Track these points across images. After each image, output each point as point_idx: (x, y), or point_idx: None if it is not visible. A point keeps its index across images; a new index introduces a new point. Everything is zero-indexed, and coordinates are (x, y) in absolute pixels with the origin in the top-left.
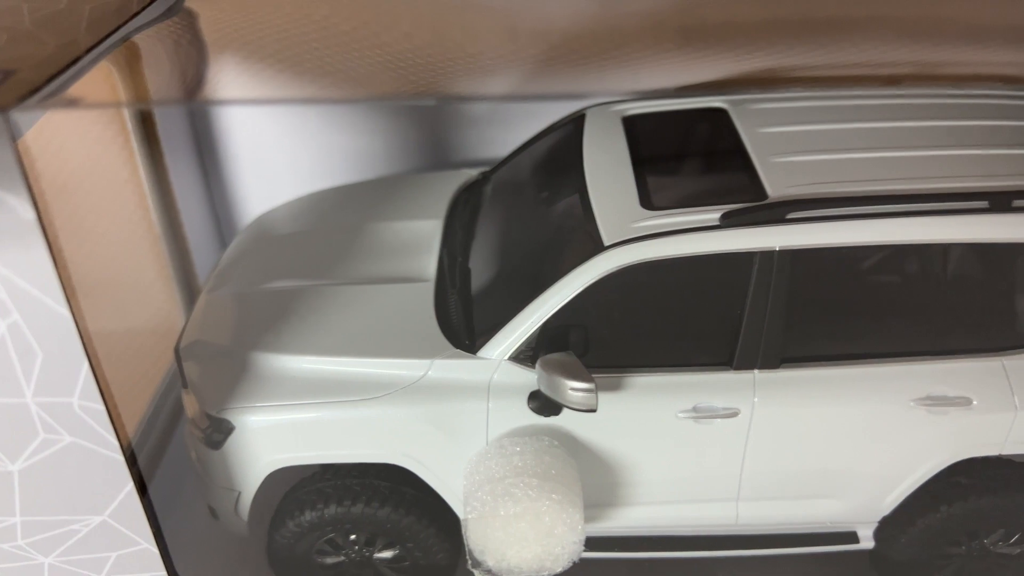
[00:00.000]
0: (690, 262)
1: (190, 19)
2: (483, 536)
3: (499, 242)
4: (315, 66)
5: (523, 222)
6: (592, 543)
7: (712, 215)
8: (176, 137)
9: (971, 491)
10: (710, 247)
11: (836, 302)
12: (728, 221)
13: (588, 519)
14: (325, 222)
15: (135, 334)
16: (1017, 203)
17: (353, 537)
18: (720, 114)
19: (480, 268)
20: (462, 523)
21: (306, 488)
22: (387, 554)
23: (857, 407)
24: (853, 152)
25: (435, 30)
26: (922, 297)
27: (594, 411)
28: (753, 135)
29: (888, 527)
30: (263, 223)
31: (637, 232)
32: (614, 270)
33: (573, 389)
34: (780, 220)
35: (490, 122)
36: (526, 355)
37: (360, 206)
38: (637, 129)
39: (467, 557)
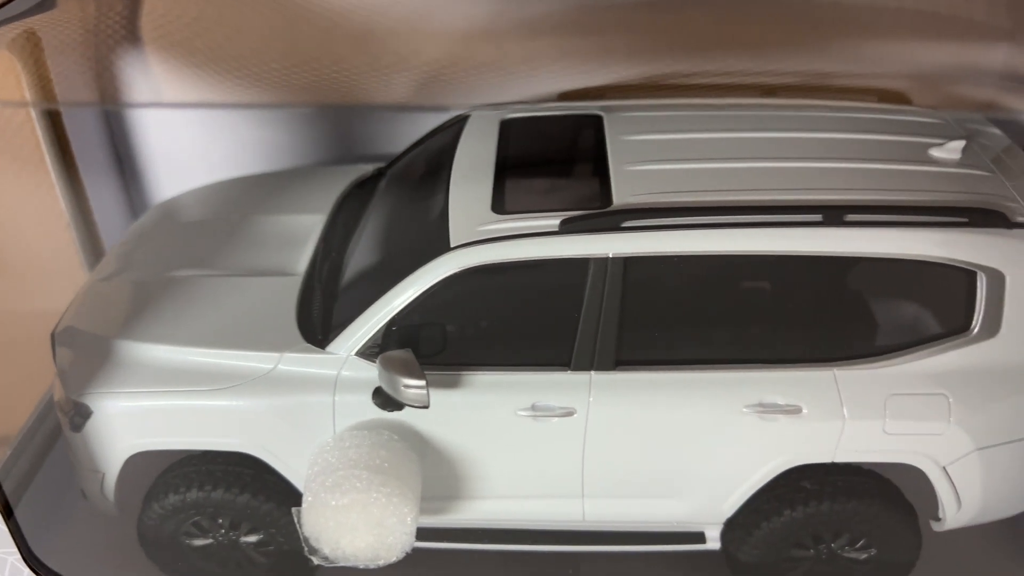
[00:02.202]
0: (532, 265)
1: (108, 19)
2: (316, 525)
3: (371, 239)
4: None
5: (394, 220)
6: (442, 535)
7: (553, 221)
8: (85, 127)
9: (813, 496)
10: (548, 252)
11: (671, 309)
12: (566, 227)
13: (437, 511)
14: (215, 214)
15: (43, 318)
16: (850, 218)
17: (220, 521)
18: (595, 121)
19: (351, 264)
20: (294, 512)
21: (174, 472)
22: (252, 538)
23: (690, 411)
24: (707, 162)
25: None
26: (756, 307)
27: (426, 407)
28: (617, 143)
29: (733, 529)
30: (157, 212)
31: (481, 235)
32: (458, 271)
33: (406, 386)
34: (615, 228)
35: (397, 118)
36: (373, 351)
37: (254, 198)
38: (512, 133)
39: (303, 545)
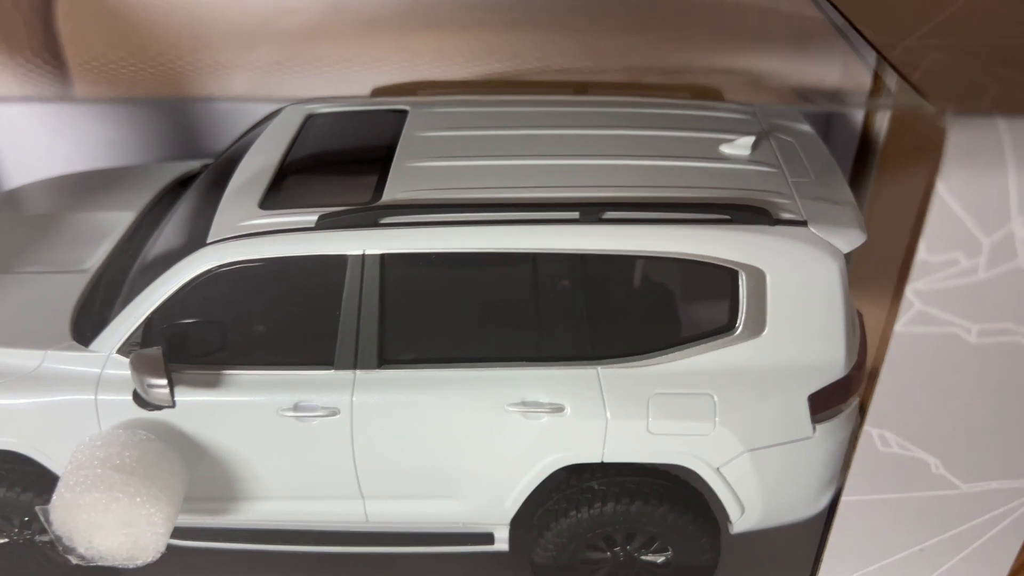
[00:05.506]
0: (294, 262)
1: None
2: (64, 523)
3: (162, 236)
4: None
5: (182, 216)
6: (226, 535)
7: (312, 217)
8: None
9: (599, 497)
10: (303, 249)
11: (434, 306)
12: (321, 224)
13: (214, 512)
14: (35, 209)
15: None
16: (608, 215)
17: (12, 520)
18: (400, 116)
19: (139, 261)
20: (38, 510)
21: None
22: (47, 537)
23: (455, 409)
24: (491, 159)
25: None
26: (520, 305)
27: (171, 407)
28: (410, 138)
29: (520, 530)
30: None
31: (239, 231)
32: (214, 267)
33: (150, 385)
34: (371, 224)
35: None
36: (135, 349)
37: (80, 195)
38: (313, 128)
39: (56, 544)
